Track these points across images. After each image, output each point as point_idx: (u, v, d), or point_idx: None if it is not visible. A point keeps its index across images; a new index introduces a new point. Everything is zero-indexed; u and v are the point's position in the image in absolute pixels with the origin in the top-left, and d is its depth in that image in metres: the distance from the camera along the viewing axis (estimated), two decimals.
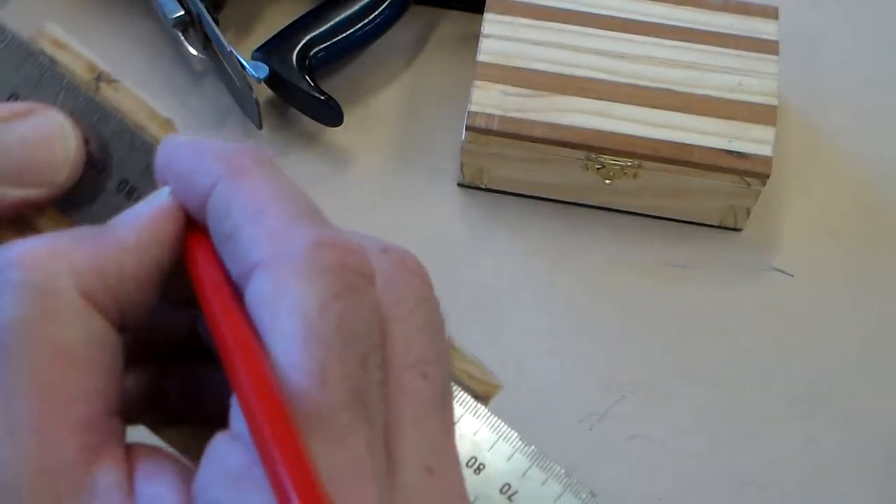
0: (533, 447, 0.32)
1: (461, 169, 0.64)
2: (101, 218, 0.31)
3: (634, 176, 0.61)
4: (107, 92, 0.31)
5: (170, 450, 0.28)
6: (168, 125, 0.31)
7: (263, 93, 0.65)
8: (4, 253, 0.26)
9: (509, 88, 0.61)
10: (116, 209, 0.30)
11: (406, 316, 0.27)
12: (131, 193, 0.31)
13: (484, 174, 0.64)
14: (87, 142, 0.31)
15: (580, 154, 0.61)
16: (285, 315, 0.25)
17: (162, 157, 0.29)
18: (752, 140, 0.60)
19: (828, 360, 0.61)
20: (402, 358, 0.26)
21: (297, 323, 0.25)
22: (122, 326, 0.27)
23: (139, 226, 0.28)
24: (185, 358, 0.31)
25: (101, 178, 0.31)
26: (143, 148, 0.31)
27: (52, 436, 0.25)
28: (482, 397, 0.32)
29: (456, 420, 0.29)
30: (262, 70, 0.62)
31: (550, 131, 0.60)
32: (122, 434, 0.27)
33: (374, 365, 0.25)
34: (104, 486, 0.25)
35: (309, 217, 0.26)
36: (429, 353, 0.27)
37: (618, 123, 0.60)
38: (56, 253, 0.26)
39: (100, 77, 0.31)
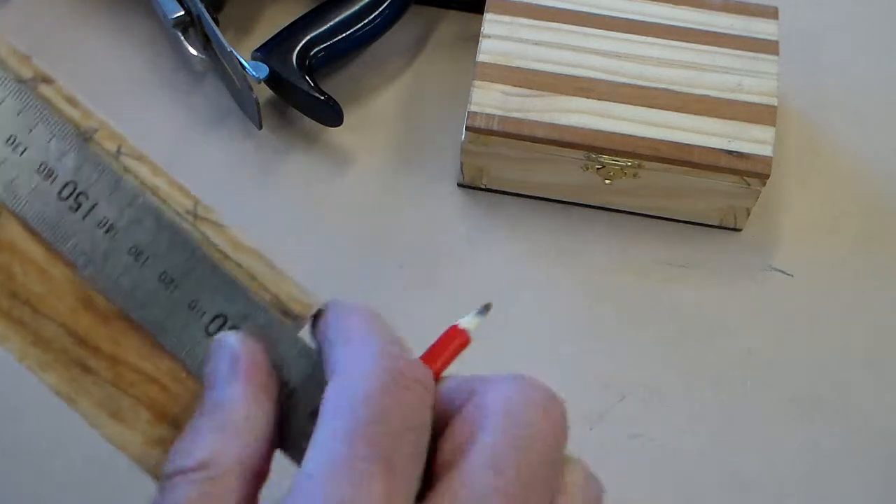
0: None
1: (461, 169, 0.64)
2: None
3: (634, 176, 0.61)
4: None
5: None
6: (26, 60, 0.31)
7: (263, 93, 0.65)
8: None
9: (509, 88, 0.61)
10: None
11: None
12: None
13: (484, 174, 0.64)
14: None
15: (580, 154, 0.61)
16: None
17: None
18: (752, 140, 0.60)
19: (828, 360, 0.61)
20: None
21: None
22: None
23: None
24: None
25: None
26: (2, 84, 0.31)
27: None
28: (300, 317, 0.32)
29: None
30: (262, 70, 0.62)
31: (550, 131, 0.60)
32: None
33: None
34: None
35: None
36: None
37: (618, 123, 0.60)
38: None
39: None
